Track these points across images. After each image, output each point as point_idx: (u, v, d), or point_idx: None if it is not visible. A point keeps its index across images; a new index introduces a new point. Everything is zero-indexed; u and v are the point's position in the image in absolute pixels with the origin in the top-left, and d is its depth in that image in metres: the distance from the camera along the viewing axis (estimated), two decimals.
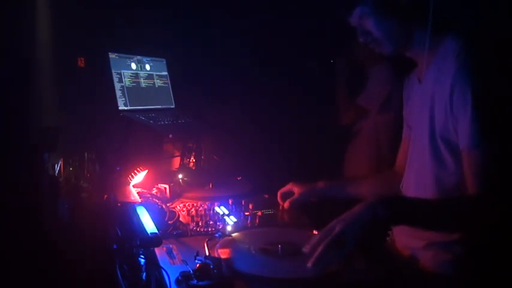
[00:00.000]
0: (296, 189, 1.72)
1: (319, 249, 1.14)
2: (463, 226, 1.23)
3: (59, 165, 1.92)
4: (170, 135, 2.09)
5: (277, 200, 1.78)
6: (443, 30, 1.28)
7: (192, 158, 2.19)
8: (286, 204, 1.71)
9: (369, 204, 1.16)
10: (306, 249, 1.18)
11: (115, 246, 1.33)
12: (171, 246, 1.35)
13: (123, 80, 2.15)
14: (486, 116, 1.15)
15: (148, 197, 1.75)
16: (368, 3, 1.28)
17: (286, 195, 1.74)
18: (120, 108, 2.09)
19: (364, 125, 2.61)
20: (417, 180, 1.39)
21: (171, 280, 1.13)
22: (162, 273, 1.15)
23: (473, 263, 1.28)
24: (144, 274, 1.21)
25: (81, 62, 2.19)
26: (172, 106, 2.38)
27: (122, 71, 2.16)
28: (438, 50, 1.29)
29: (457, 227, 1.24)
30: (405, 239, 1.43)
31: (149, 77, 2.30)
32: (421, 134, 1.35)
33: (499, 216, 1.17)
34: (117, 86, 2.11)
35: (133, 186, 1.79)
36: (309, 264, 1.15)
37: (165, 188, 1.84)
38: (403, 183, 1.48)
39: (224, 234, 1.43)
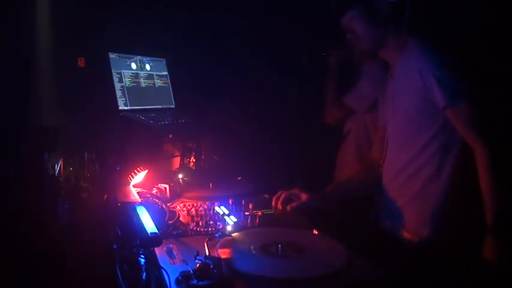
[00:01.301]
0: (303, 195, 1.74)
1: None
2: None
3: (59, 165, 1.92)
4: (170, 135, 2.08)
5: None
6: (409, 33, 1.57)
7: (192, 158, 2.19)
8: (289, 208, 1.72)
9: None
10: None
11: (115, 246, 1.33)
12: (171, 246, 1.35)
13: (123, 80, 2.15)
14: (450, 79, 1.46)
15: (148, 197, 1.75)
16: (356, 8, 1.57)
17: (288, 199, 1.75)
18: (120, 108, 2.09)
19: (353, 126, 2.56)
20: (396, 162, 1.64)
21: (171, 280, 1.13)
22: (162, 273, 1.15)
23: (448, 220, 1.52)
24: (144, 274, 1.21)
25: (81, 62, 2.19)
26: (172, 106, 2.38)
27: (122, 71, 2.16)
28: (406, 48, 1.58)
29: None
30: (391, 203, 1.67)
31: (149, 77, 2.30)
32: (396, 117, 1.63)
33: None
34: (117, 86, 2.11)
35: (134, 186, 1.79)
36: None
37: (165, 188, 1.84)
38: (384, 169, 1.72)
39: (224, 234, 1.43)
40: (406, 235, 1.59)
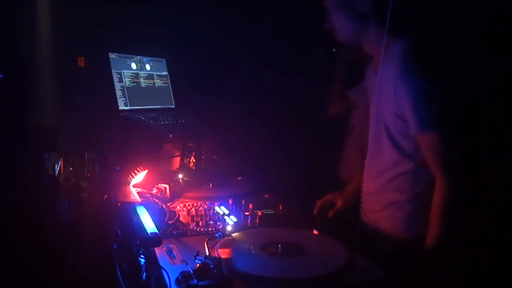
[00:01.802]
0: (339, 199, 1.84)
1: None
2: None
3: (59, 165, 1.92)
4: (170, 135, 2.08)
5: (276, 198, 1.79)
6: (397, 34, 1.52)
7: (192, 158, 2.19)
8: (331, 214, 1.83)
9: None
10: None
11: (115, 246, 1.33)
12: (171, 246, 1.35)
13: (123, 80, 2.15)
14: (423, 104, 1.41)
15: (149, 197, 1.75)
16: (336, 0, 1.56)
17: (325, 207, 1.86)
18: (120, 108, 2.09)
19: (356, 123, 2.57)
20: (371, 154, 1.66)
21: (171, 280, 1.13)
22: (162, 273, 1.15)
23: (421, 218, 1.50)
24: (144, 274, 1.21)
25: (81, 62, 2.19)
26: (173, 106, 2.38)
27: (122, 71, 2.16)
28: (390, 49, 1.53)
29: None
30: (370, 204, 1.68)
31: (149, 77, 2.30)
32: (377, 117, 1.61)
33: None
34: (117, 86, 2.11)
35: (134, 186, 1.79)
36: None
37: (165, 188, 1.84)
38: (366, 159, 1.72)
39: (224, 234, 1.43)
40: (383, 238, 1.60)
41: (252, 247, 1.34)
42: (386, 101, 1.53)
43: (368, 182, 1.70)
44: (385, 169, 1.59)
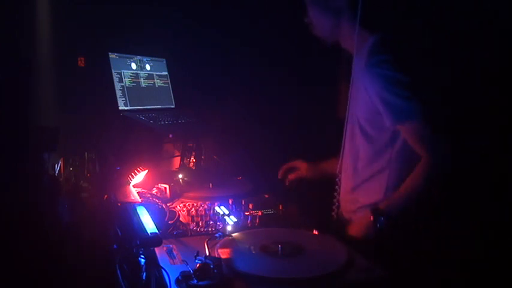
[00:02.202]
0: (304, 168, 1.95)
1: None
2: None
3: (59, 165, 1.92)
4: (170, 135, 2.08)
5: (276, 198, 1.79)
6: (372, 29, 1.55)
7: (192, 158, 2.19)
8: (292, 177, 1.96)
9: (375, 218, 1.47)
10: None
11: (115, 246, 1.33)
12: (171, 246, 1.35)
13: (123, 80, 2.15)
14: (395, 96, 1.44)
15: (149, 197, 1.75)
16: None
17: (290, 171, 1.98)
18: (120, 108, 2.09)
19: None
20: (347, 149, 1.69)
21: (171, 280, 1.13)
22: (162, 273, 1.15)
23: (392, 219, 1.52)
24: (144, 274, 1.21)
25: (81, 62, 2.18)
26: (173, 106, 2.38)
27: (122, 71, 2.16)
28: (365, 44, 1.55)
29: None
30: (345, 204, 1.72)
31: (149, 77, 2.30)
32: (351, 111, 1.65)
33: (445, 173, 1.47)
34: (117, 86, 2.11)
35: (134, 186, 1.79)
36: None
37: (165, 188, 1.84)
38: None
39: (224, 234, 1.43)
40: (357, 237, 1.59)
41: (252, 247, 1.34)
42: (358, 96, 1.57)
43: (345, 180, 1.72)
44: (361, 166, 1.63)
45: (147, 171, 1.84)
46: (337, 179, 1.73)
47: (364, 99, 1.53)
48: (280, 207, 1.72)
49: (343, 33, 1.60)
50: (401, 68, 1.44)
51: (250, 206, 1.69)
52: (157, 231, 1.24)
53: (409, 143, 1.48)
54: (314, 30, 1.64)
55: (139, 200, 1.61)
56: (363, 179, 1.63)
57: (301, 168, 2.00)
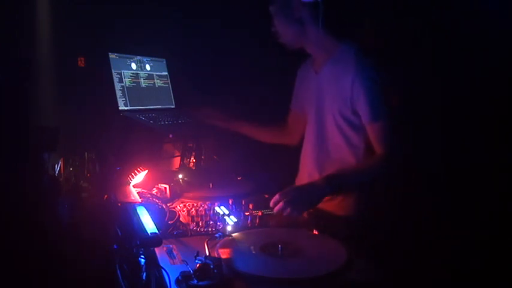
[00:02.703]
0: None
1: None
2: (374, 179, 1.69)
3: (59, 165, 1.92)
4: (170, 135, 2.08)
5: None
6: (339, 38, 1.70)
7: (192, 158, 2.19)
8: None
9: (322, 186, 1.56)
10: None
11: (115, 246, 1.33)
12: (171, 246, 1.35)
13: (123, 80, 2.15)
14: (376, 98, 1.59)
15: (149, 197, 1.75)
16: (275, 5, 1.72)
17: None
18: (120, 108, 2.09)
19: None
20: (313, 148, 1.82)
21: (171, 280, 1.13)
22: (162, 273, 1.15)
23: (368, 202, 1.70)
24: (144, 274, 1.21)
25: (81, 62, 2.18)
26: (173, 106, 2.38)
27: (122, 71, 2.16)
28: (335, 52, 1.71)
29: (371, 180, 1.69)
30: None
31: (149, 77, 2.30)
32: (319, 113, 1.77)
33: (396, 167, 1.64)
34: (117, 86, 2.11)
35: (134, 186, 1.79)
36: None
37: (165, 188, 1.84)
38: (302, 153, 1.92)
39: (224, 234, 1.43)
40: (336, 223, 1.70)
41: (252, 247, 1.34)
42: (334, 99, 1.69)
43: (312, 178, 1.77)
44: (330, 164, 1.74)
45: (147, 171, 1.84)
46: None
47: (343, 99, 1.66)
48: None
49: (308, 40, 1.73)
50: (383, 75, 1.62)
51: (250, 206, 1.69)
52: (157, 231, 1.24)
53: (372, 141, 1.64)
54: (280, 39, 1.75)
55: (139, 200, 1.61)
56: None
57: None
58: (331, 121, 1.73)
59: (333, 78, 1.71)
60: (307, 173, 1.87)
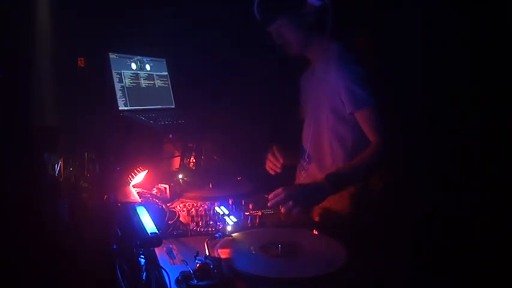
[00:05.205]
0: (282, 155, 1.98)
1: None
2: (375, 170, 1.72)
3: (59, 165, 1.92)
4: (170, 135, 2.09)
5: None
6: (332, 39, 1.78)
7: (192, 158, 2.19)
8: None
9: (324, 185, 1.57)
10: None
11: (115, 246, 1.33)
12: (171, 246, 1.35)
13: (123, 80, 2.15)
14: (358, 87, 1.65)
15: (149, 197, 1.75)
16: (286, 16, 1.75)
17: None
18: (120, 108, 2.09)
19: None
20: (311, 146, 1.86)
21: (171, 280, 1.13)
22: (162, 273, 1.16)
23: (367, 202, 1.74)
24: (144, 274, 1.21)
25: (81, 62, 2.18)
26: (173, 106, 2.38)
27: (122, 71, 2.16)
28: (328, 51, 1.78)
29: (372, 173, 1.74)
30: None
31: (149, 77, 2.30)
32: (315, 112, 1.84)
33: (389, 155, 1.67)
34: (117, 86, 2.11)
35: (133, 186, 1.79)
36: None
37: (165, 188, 1.84)
38: (302, 152, 1.93)
39: (224, 234, 1.43)
40: (336, 215, 1.74)
41: (252, 247, 1.34)
42: (326, 96, 1.75)
43: (314, 177, 1.78)
44: (326, 158, 1.79)
45: (147, 171, 1.84)
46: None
47: (332, 94, 1.72)
48: (280, 207, 1.72)
49: (311, 45, 1.80)
50: (363, 66, 1.69)
51: (250, 206, 1.69)
52: (157, 231, 1.24)
53: (363, 127, 1.68)
54: (288, 50, 1.80)
55: (139, 200, 1.61)
56: (328, 167, 1.75)
57: (280, 155, 2.02)
58: (325, 118, 1.78)
59: (324, 78, 1.77)
60: (306, 172, 1.87)
